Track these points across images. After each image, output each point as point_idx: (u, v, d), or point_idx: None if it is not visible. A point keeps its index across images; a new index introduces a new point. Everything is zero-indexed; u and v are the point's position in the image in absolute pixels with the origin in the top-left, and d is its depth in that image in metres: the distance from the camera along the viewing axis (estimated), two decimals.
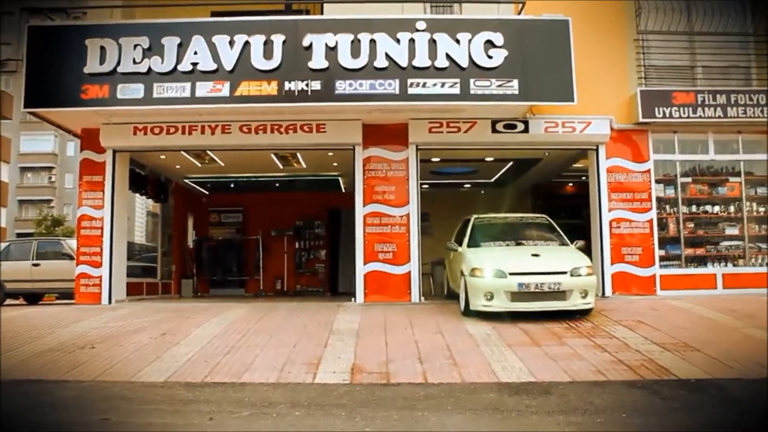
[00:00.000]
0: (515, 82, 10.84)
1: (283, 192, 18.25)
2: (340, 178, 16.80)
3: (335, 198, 17.89)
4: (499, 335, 8.58)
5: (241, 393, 6.32)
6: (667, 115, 12.11)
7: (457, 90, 10.85)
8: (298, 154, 14.15)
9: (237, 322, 9.82)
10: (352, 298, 12.04)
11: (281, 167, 15.41)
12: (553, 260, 9.85)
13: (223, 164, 14.94)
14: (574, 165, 14.55)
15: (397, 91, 10.85)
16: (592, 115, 12.04)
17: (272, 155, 14.10)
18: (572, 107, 11.27)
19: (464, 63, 10.86)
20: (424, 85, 10.87)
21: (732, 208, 12.71)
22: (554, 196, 16.99)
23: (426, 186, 14.79)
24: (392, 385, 6.61)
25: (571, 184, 17.09)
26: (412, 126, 12.09)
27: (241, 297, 16.95)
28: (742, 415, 5.67)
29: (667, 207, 12.56)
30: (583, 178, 13.81)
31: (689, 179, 12.74)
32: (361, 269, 12.00)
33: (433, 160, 14.25)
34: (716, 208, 12.71)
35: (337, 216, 18.88)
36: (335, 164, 15.03)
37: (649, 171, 12.42)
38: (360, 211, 12.13)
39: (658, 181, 12.53)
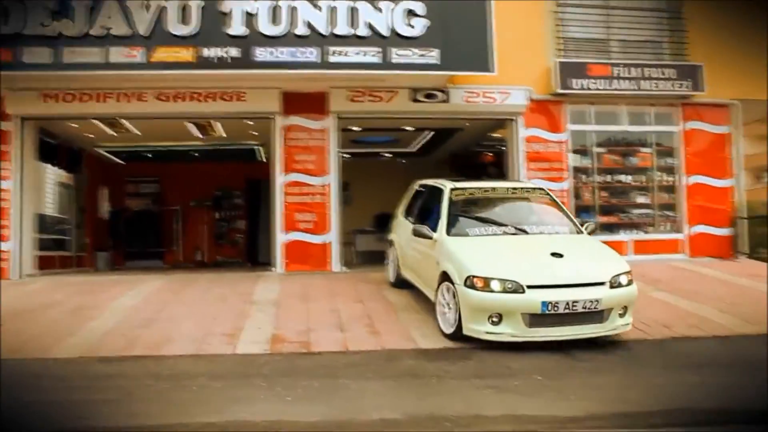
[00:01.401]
0: (436, 52, 10.84)
1: (202, 162, 17.87)
2: (259, 148, 16.55)
3: (255, 168, 17.61)
4: (417, 303, 8.68)
5: (160, 366, 6.20)
6: (583, 87, 12.38)
7: (378, 59, 10.78)
8: (217, 123, 13.84)
9: (154, 294, 9.62)
10: (272, 269, 11.95)
11: (200, 136, 15.06)
12: (584, 263, 7.20)
13: (139, 133, 14.46)
14: (492, 134, 14.74)
15: (318, 60, 10.70)
16: (511, 85, 12.18)
17: (190, 124, 13.74)
18: (492, 78, 11.36)
19: (385, 32, 10.79)
20: (344, 53, 10.77)
21: (643, 178, 13.16)
22: (473, 166, 17.19)
23: (347, 155, 14.73)
24: (313, 354, 6.63)
25: (490, 154, 17.33)
26: (332, 95, 11.99)
27: (160, 269, 16.58)
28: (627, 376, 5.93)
29: (583, 176, 12.90)
30: (502, 147, 14.02)
31: (604, 149, 13.11)
32: (281, 239, 11.91)
33: (354, 129, 14.18)
34: (628, 178, 13.14)
35: (257, 186, 18.62)
36: (255, 133, 14.77)
37: (565, 141, 12.70)
38: (279, 180, 11.99)
39: (574, 151, 12.83)
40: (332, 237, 12.00)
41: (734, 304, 8.68)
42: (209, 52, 10.56)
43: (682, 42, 13.00)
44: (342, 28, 10.73)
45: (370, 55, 10.76)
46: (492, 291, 6.66)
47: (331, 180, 12.06)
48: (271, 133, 12.16)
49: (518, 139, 12.55)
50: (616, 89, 12.45)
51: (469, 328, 6.78)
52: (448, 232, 7.78)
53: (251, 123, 13.52)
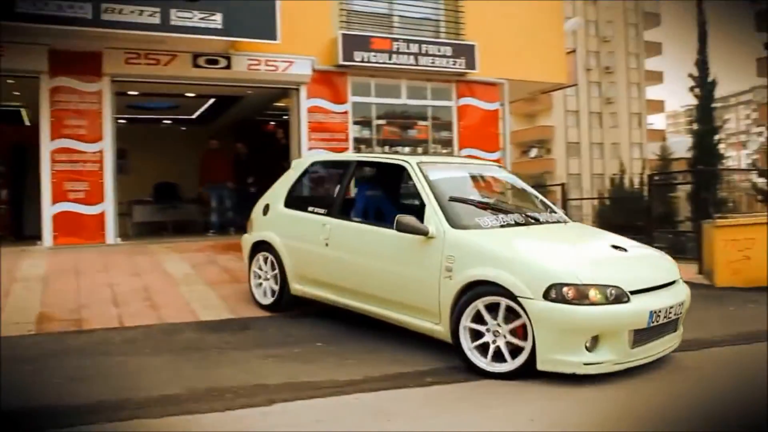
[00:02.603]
0: (218, 16, 10.51)
1: None
2: (23, 110, 15.13)
3: (18, 132, 16.06)
4: (198, 274, 8.48)
5: None
6: (366, 60, 12.64)
7: (157, 19, 10.23)
8: None
9: None
10: (40, 242, 11.03)
11: None
12: (647, 258, 5.81)
13: None
14: (276, 104, 14.66)
15: (90, 16, 9.93)
16: (295, 55, 12.12)
17: None
18: (276, 46, 11.24)
19: None
20: (120, 11, 10.08)
21: (420, 150, 13.78)
22: (256, 135, 17.01)
23: (123, 121, 13.92)
24: (85, 332, 6.23)
25: (273, 123, 17.24)
26: (107, 55, 11.17)
27: None
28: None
29: (363, 147, 13.24)
30: (285, 117, 14.00)
31: (384, 122, 13.54)
32: (48, 210, 10.99)
33: (131, 93, 13.42)
34: (407, 149, 13.69)
35: (22, 152, 17.05)
36: (17, 94, 13.47)
37: (347, 112, 12.94)
38: (46, 146, 11.01)
39: (355, 123, 13.12)
40: (107, 207, 11.26)
41: None
42: None
43: (459, 22, 13.71)
44: None
45: (148, 14, 10.18)
46: (592, 303, 4.75)
47: (106, 147, 11.29)
48: (38, 94, 11.13)
49: (301, 109, 12.56)
50: (396, 63, 12.84)
51: (555, 360, 4.76)
52: (451, 224, 5.51)
53: (11, 81, 12.28)
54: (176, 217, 15.31)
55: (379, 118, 13.41)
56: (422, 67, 13.07)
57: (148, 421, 4.00)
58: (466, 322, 5.09)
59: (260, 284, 7.24)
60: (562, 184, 15.02)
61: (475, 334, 5.08)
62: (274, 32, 10.97)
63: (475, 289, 5.08)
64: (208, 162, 13.74)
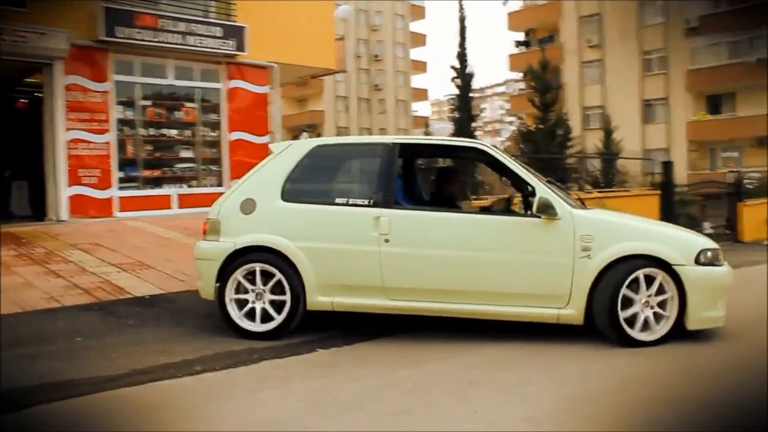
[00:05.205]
0: None
1: None
2: None
3: None
4: None
5: None
6: (129, 36, 12.01)
7: None
8: None
9: None
10: None
11: None
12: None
13: None
14: (29, 80, 13.44)
15: None
16: (46, 26, 11.17)
17: None
18: (23, 15, 10.32)
19: None
20: None
21: (188, 132, 13.39)
22: (5, 113, 15.50)
23: None
24: None
25: (24, 100, 15.80)
26: None
27: None
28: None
29: (127, 129, 12.59)
30: (39, 94, 12.88)
31: (149, 102, 12.95)
32: None
33: None
34: (173, 132, 13.24)
35: None
36: None
37: (109, 92, 12.20)
38: None
39: (118, 103, 12.42)
40: None
41: None
42: None
43: (230, 3, 13.44)
44: None
45: None
46: (720, 264, 5.45)
47: None
48: None
49: (57, 87, 11.62)
50: (162, 42, 12.37)
51: (704, 318, 5.33)
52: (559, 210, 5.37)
53: None
54: None
55: (144, 98, 12.83)
56: (190, 47, 12.73)
57: None
58: (619, 294, 5.17)
59: (248, 306, 5.62)
60: None
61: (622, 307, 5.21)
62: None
63: (619, 265, 5.19)
64: None
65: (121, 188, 12.35)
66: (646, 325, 5.28)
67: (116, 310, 6.49)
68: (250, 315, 5.59)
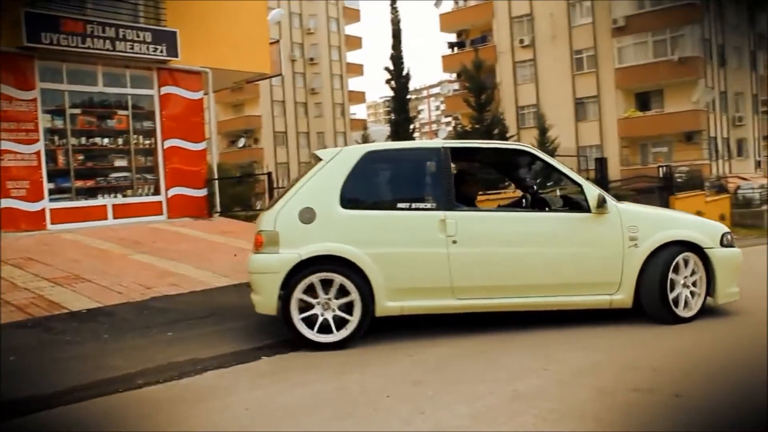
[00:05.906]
0: None
1: None
2: None
3: None
4: None
5: None
6: (55, 42, 11.64)
7: None
8: None
9: None
10: None
11: None
12: None
13: None
14: None
15: None
16: None
17: None
18: None
19: None
20: None
21: (121, 141, 13.06)
22: None
23: None
24: None
25: None
26: None
27: None
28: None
29: (56, 138, 12.20)
30: None
31: (79, 110, 12.58)
32: None
33: None
34: (106, 140, 12.89)
35: None
36: None
37: (36, 100, 11.80)
38: None
39: (46, 112, 12.02)
40: None
41: (209, 260, 9.28)
42: None
43: (159, 7, 13.17)
44: None
45: None
46: (735, 246, 6.27)
47: None
48: None
49: None
50: (90, 48, 12.03)
51: (729, 293, 6.11)
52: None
53: None
54: None
55: (73, 106, 12.46)
56: (120, 53, 12.41)
57: None
58: (668, 277, 5.76)
59: (317, 318, 5.49)
60: (269, 173, 15.22)
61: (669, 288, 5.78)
62: None
63: (661, 251, 5.79)
64: None
65: (52, 200, 11.94)
66: (686, 304, 5.88)
67: (52, 326, 6.29)
68: (313, 324, 5.48)
